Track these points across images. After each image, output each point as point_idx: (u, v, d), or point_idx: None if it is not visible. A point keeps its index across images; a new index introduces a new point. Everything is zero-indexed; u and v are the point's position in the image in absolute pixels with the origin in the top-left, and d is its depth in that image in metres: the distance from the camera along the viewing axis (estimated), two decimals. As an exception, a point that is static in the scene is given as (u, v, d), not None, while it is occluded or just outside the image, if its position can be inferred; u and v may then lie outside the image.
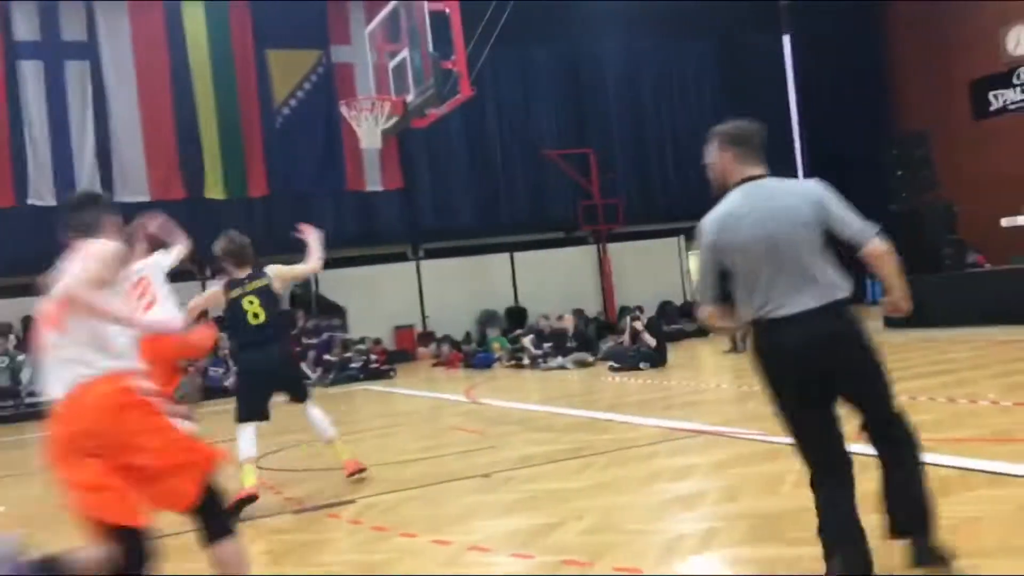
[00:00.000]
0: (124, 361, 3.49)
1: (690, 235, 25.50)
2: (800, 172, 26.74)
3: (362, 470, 6.78)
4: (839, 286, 3.40)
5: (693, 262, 26.35)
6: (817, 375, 3.29)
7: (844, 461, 3.34)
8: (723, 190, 3.62)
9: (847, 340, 3.36)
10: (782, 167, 26.48)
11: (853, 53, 24.12)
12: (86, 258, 3.57)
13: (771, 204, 3.48)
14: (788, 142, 26.79)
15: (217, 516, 3.57)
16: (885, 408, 3.37)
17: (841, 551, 3.21)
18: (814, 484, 3.37)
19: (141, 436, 3.39)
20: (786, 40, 26.67)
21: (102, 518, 3.35)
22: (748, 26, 25.85)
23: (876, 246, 3.46)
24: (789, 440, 3.47)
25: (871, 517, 3.38)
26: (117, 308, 3.48)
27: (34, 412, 17.16)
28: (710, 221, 3.55)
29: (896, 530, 3.38)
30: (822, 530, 3.30)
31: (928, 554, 3.28)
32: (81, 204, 4.07)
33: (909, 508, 3.34)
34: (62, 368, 3.46)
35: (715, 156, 3.66)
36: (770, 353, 3.37)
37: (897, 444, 3.37)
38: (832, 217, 3.49)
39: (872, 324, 15.62)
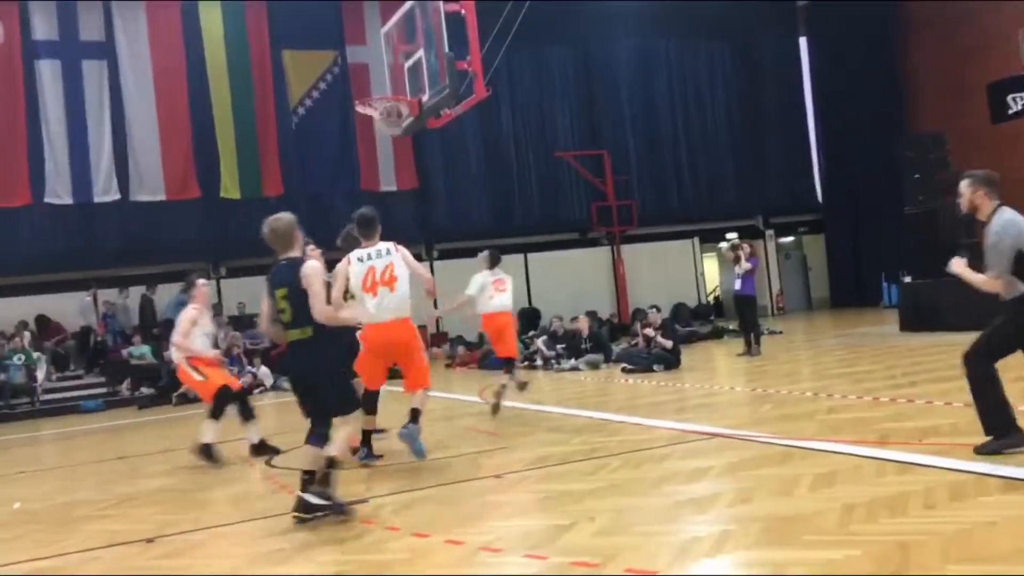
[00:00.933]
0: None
1: (704, 237, 25.45)
2: (816, 174, 26.65)
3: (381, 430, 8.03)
4: None
5: (708, 264, 26.29)
6: None
7: None
8: (971, 212, 5.73)
9: None
10: (798, 169, 26.44)
11: (869, 55, 24.00)
12: (411, 261, 7.27)
13: None
14: (804, 144, 26.70)
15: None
16: None
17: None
18: (993, 375, 5.65)
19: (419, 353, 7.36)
20: (802, 42, 26.57)
21: (424, 385, 7.40)
22: (764, 28, 25.79)
23: None
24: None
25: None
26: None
27: (49, 409, 17.27)
28: (1015, 226, 5.48)
29: None
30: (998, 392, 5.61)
31: None
32: (371, 221, 7.29)
33: None
34: (388, 309, 7.00)
35: (968, 190, 5.67)
36: None
37: None
38: None
39: (888, 328, 15.38)
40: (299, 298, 5.61)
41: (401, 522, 5.39)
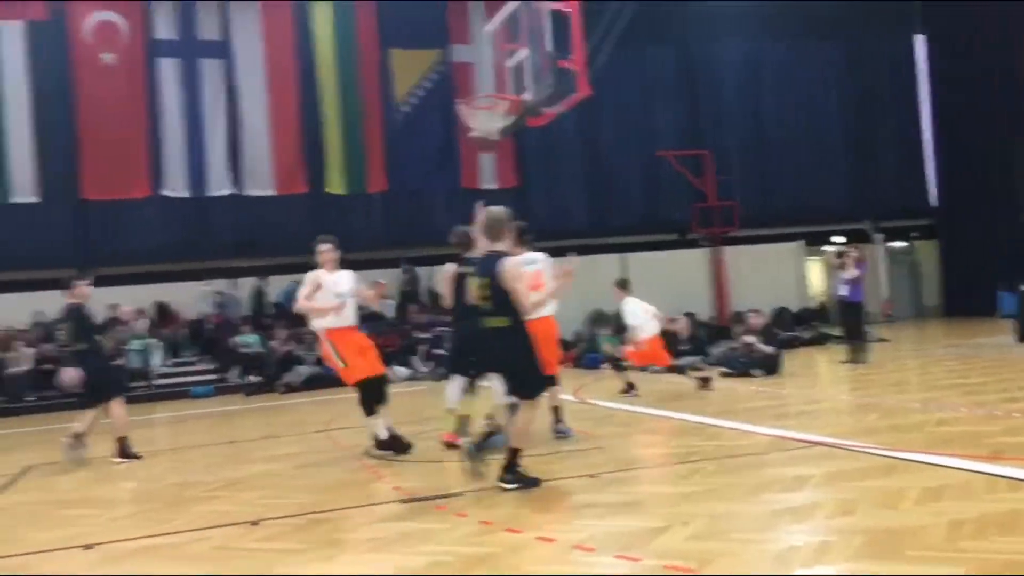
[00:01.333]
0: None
1: (810, 240, 24.78)
2: (930, 177, 25.66)
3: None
4: None
5: (813, 268, 25.59)
6: None
7: None
8: None
9: None
10: (911, 172, 25.49)
11: (991, 54, 22.95)
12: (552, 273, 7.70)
13: None
14: (918, 147, 25.75)
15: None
16: None
17: None
18: None
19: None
20: (919, 41, 25.61)
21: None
22: (879, 27, 24.97)
23: None
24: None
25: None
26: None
27: (162, 394, 18.06)
28: None
29: None
30: None
31: None
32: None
33: None
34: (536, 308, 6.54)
35: None
36: None
37: None
38: None
39: (1003, 339, 14.78)
40: (499, 290, 6.03)
41: (494, 517, 5.44)
